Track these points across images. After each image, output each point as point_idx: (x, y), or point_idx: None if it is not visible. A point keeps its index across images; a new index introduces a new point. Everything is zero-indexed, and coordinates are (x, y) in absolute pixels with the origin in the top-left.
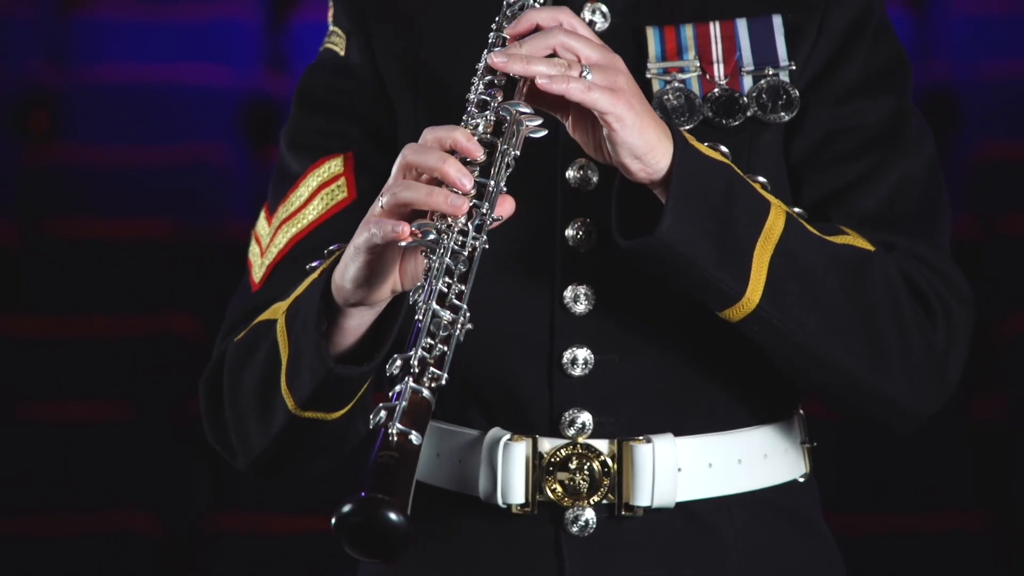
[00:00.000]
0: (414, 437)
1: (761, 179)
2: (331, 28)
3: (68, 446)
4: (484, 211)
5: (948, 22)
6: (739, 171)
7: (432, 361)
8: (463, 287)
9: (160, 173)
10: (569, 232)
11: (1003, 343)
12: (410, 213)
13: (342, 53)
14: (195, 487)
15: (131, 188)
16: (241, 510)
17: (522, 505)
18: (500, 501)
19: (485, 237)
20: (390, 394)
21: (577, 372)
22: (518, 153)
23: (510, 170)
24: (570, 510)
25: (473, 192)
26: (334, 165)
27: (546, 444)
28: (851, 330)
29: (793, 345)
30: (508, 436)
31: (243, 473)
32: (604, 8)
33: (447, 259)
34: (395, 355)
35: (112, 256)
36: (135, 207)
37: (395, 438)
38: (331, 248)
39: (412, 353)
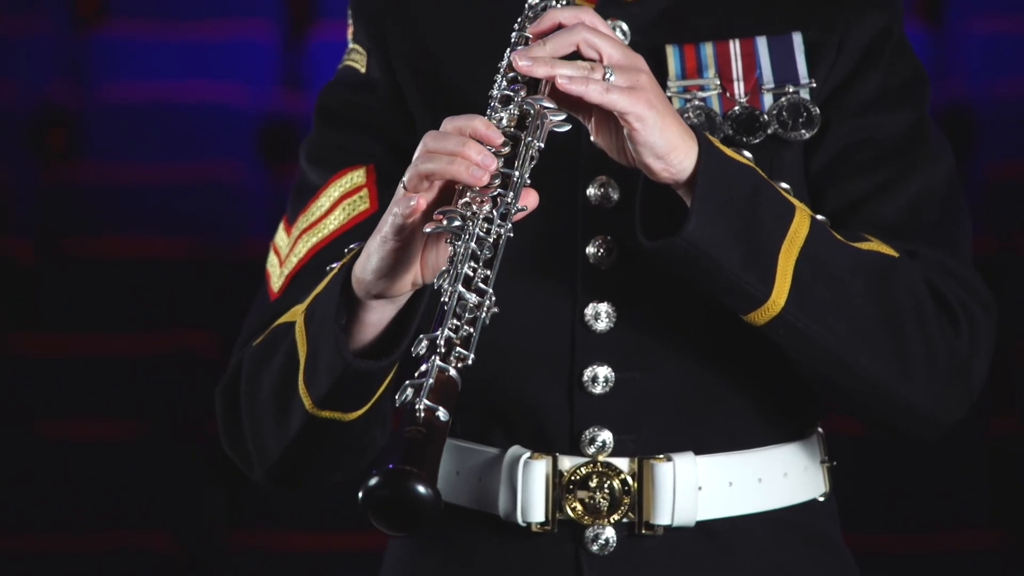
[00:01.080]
0: (441, 413)
1: (785, 185)
2: (351, 45)
3: (85, 464)
4: (509, 200)
5: (965, 40)
6: (763, 174)
7: (459, 341)
8: (488, 272)
9: (177, 192)
10: (590, 249)
11: (1021, 361)
12: (434, 201)
13: (363, 70)
14: (211, 505)
15: (148, 207)
16: (257, 528)
17: (542, 523)
18: (520, 519)
19: (510, 225)
20: (416, 373)
21: (598, 390)
22: (542, 145)
23: (534, 162)
24: (590, 528)
25: (498, 177)
26: (356, 176)
27: (566, 462)
28: (876, 335)
29: (818, 350)
30: (528, 454)
31: (260, 485)
32: (624, 26)
33: (472, 244)
34: (421, 335)
35: (129, 274)
36: (152, 226)
37: (422, 414)
38: (351, 246)
39: (438, 333)
